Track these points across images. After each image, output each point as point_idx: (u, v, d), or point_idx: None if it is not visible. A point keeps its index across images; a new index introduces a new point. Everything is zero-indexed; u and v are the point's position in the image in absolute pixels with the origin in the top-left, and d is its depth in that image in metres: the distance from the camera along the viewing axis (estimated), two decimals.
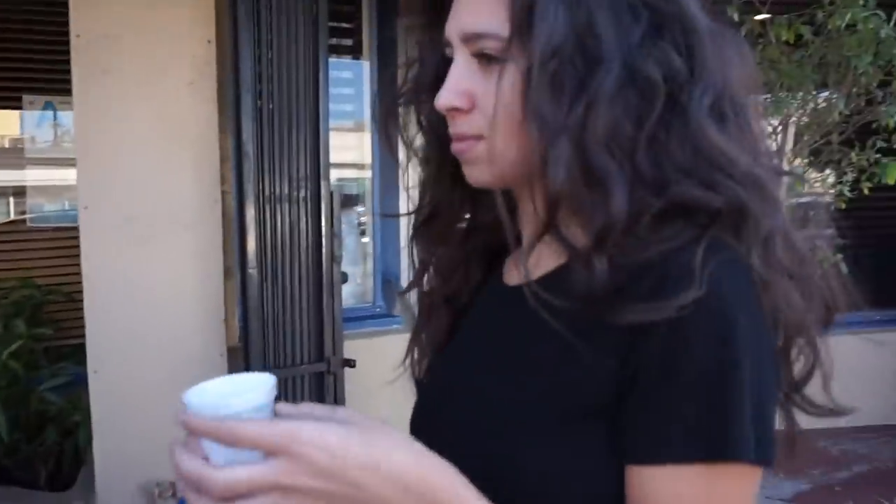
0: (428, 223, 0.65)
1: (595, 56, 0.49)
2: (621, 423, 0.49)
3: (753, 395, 0.47)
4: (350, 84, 2.74)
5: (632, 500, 0.49)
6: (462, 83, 0.52)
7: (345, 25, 2.65)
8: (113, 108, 1.78)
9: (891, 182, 1.76)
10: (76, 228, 1.93)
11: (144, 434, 1.85)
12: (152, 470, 1.70)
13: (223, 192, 1.93)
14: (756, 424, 0.47)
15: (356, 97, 2.77)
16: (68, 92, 1.77)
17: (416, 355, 0.69)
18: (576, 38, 0.49)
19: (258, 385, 0.53)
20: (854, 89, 1.76)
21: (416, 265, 0.68)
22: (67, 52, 1.73)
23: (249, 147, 1.80)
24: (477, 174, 0.55)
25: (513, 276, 0.61)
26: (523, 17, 0.49)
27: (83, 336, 2.00)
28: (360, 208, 2.85)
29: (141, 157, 1.82)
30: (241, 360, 1.84)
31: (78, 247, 1.85)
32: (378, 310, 2.57)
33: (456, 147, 0.55)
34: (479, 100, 0.52)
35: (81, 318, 1.94)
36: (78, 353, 2.35)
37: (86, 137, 1.77)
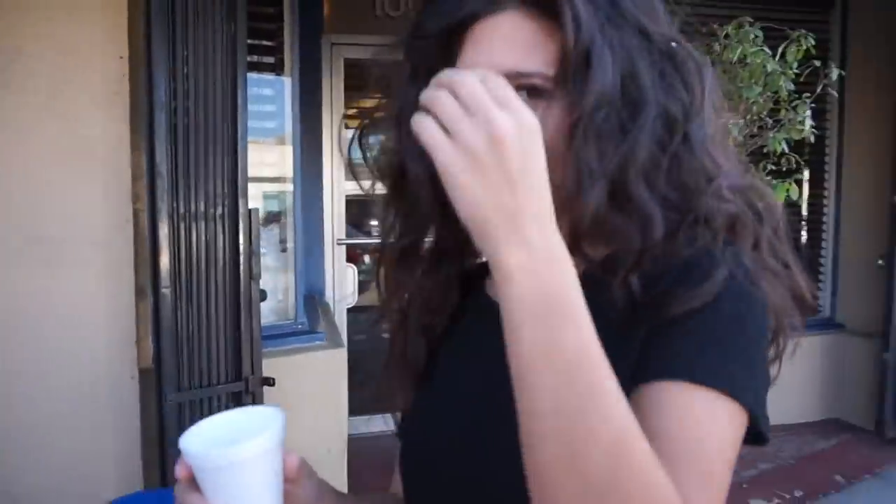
0: (411, 251, 0.63)
1: (637, 100, 0.52)
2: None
3: (760, 361, 0.54)
4: (272, 101, 2.73)
5: (641, 413, 0.50)
6: None
7: (266, 43, 2.65)
8: (15, 124, 1.72)
9: (780, 202, 1.92)
10: None
11: (46, 461, 1.78)
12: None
13: (136, 211, 1.89)
14: (758, 386, 0.54)
15: (278, 113, 2.77)
16: None
17: (390, 389, 0.67)
18: (622, 84, 0.52)
19: (266, 424, 0.53)
20: (747, 117, 1.91)
21: (386, 294, 0.66)
22: None
23: (163, 165, 1.77)
24: None
25: None
26: (579, 62, 0.50)
27: None
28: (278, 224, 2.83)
29: (47, 175, 1.76)
30: (153, 381, 1.81)
31: None
32: (300, 326, 2.57)
33: None
34: None
35: None
36: None
37: None
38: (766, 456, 3.74)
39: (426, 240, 0.64)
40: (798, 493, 3.31)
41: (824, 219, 4.35)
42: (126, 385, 1.84)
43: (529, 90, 0.52)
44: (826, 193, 4.33)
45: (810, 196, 4.48)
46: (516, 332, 0.42)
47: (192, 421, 1.76)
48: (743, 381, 0.53)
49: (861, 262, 4.10)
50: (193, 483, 0.52)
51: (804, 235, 4.56)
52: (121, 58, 1.82)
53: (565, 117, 0.52)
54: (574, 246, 0.52)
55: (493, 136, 0.40)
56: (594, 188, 0.51)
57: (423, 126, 0.43)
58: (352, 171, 0.68)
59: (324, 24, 3.37)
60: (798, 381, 4.17)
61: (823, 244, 4.37)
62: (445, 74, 0.44)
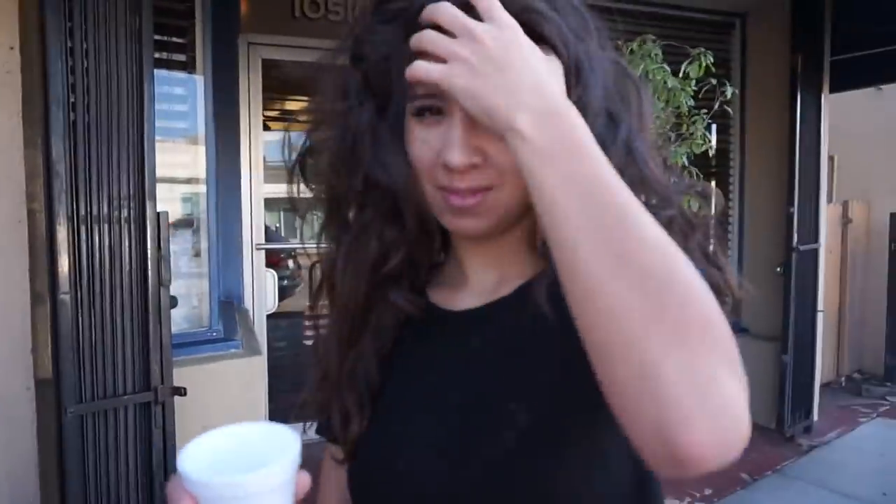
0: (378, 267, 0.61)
1: (614, 115, 0.56)
2: None
3: None
4: (183, 100, 2.63)
5: None
6: (472, 140, 0.53)
7: (177, 40, 2.55)
8: None
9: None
10: None
11: None
12: None
13: (32, 211, 1.77)
14: None
15: (190, 113, 2.67)
16: None
17: (334, 418, 0.63)
18: (605, 102, 0.56)
19: (280, 453, 0.45)
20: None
21: (338, 314, 0.64)
22: None
23: (60, 164, 1.67)
24: (475, 224, 0.57)
25: (459, 300, 0.62)
26: (570, 77, 0.53)
27: None
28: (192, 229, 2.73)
29: None
30: (52, 392, 1.69)
31: None
32: (215, 334, 2.48)
33: (463, 202, 0.55)
34: (490, 155, 0.54)
35: None
36: None
37: None
38: None
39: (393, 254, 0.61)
40: (708, 492, 3.47)
41: (730, 228, 4.60)
42: (21, 396, 1.71)
43: None
44: (731, 204, 4.59)
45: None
46: (538, 176, 0.45)
47: (96, 434, 1.66)
48: None
49: (762, 269, 4.35)
50: None
51: (710, 245, 4.82)
52: (11, 48, 1.70)
53: None
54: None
55: (474, 40, 0.46)
56: None
57: (420, 68, 0.48)
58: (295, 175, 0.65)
59: (240, 24, 3.29)
60: None
61: (729, 253, 4.63)
62: (426, 11, 0.50)
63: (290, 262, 4.82)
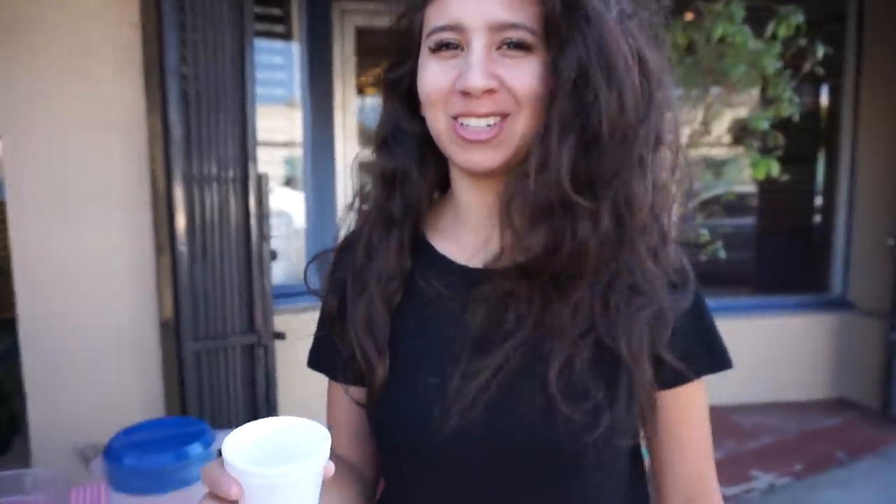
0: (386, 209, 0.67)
1: (613, 68, 0.55)
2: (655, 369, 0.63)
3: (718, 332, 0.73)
4: (281, 67, 2.81)
5: (670, 415, 0.69)
6: (489, 66, 0.56)
7: (275, 12, 2.71)
8: (37, 87, 1.82)
9: (759, 177, 1.97)
10: None
11: (77, 401, 1.93)
12: (85, 434, 1.78)
13: (153, 172, 1.99)
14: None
15: (287, 80, 2.84)
16: None
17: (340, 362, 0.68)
18: (598, 55, 0.55)
19: (314, 447, 0.50)
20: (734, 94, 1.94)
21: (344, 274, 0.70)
22: None
23: (176, 129, 1.87)
24: (485, 157, 0.58)
25: (462, 249, 0.66)
26: (561, 23, 0.55)
27: (11, 310, 2.04)
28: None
29: (68, 136, 1.86)
30: (173, 332, 1.93)
31: None
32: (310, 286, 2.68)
33: (476, 136, 0.57)
34: (506, 82, 0.56)
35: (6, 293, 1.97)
36: (8, 327, 2.39)
37: (10, 117, 1.80)
38: (769, 430, 3.80)
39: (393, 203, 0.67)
40: (798, 467, 3.38)
41: (837, 198, 4.33)
42: (148, 335, 1.97)
43: (518, 44, 0.56)
44: (840, 172, 4.30)
45: (826, 175, 4.46)
46: None
47: (210, 368, 1.88)
48: (725, 352, 0.72)
49: (873, 242, 4.08)
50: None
51: (817, 216, 4.56)
52: (133, 25, 1.90)
53: (546, 74, 0.57)
54: (517, 235, 0.58)
55: None
56: (565, 143, 0.55)
57: None
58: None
59: None
60: (807, 359, 4.21)
61: (836, 224, 4.36)
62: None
63: None
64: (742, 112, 2.09)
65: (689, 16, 1.73)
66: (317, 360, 0.76)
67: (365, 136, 4.35)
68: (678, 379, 0.67)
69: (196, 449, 1.03)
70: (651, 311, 0.61)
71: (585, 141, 0.56)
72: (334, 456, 0.58)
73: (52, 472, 1.05)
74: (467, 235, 0.67)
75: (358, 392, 0.69)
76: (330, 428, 0.70)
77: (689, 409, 0.70)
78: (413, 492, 0.68)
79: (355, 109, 4.04)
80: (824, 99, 4.41)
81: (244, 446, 0.51)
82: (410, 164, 0.67)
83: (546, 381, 0.59)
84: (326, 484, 0.57)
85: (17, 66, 1.79)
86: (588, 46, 0.55)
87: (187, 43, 1.86)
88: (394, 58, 0.66)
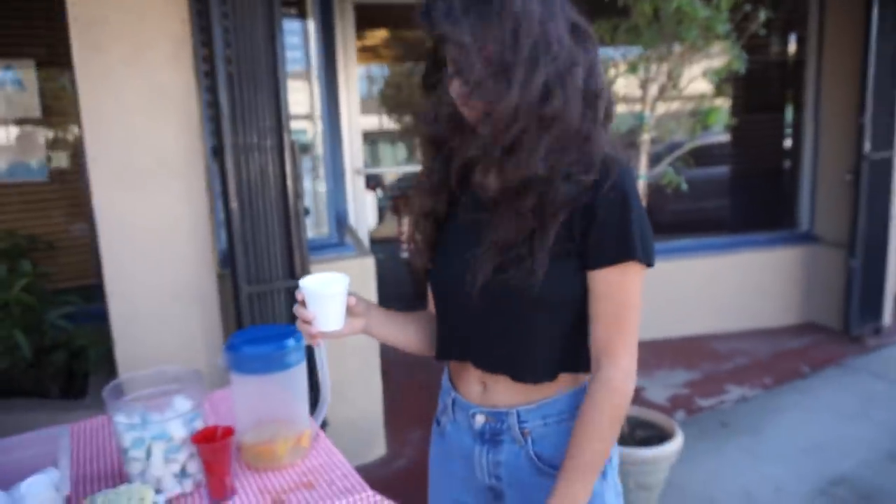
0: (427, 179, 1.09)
1: (545, 50, 0.92)
2: (584, 254, 0.97)
3: (647, 221, 0.98)
4: (297, 44, 3.11)
5: (592, 291, 0.99)
6: None
7: None
8: (108, 79, 2.15)
9: (712, 124, 2.33)
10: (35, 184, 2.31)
11: (157, 340, 2.31)
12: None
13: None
14: (643, 243, 0.97)
15: (301, 55, 3.16)
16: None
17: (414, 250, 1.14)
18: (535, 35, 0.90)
19: (339, 281, 1.05)
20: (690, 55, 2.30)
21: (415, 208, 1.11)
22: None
23: (225, 106, 2.21)
24: None
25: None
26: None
27: (66, 280, 2.42)
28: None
29: (135, 118, 2.21)
30: (230, 279, 2.30)
31: (38, 200, 2.24)
32: (333, 240, 3.05)
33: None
34: None
35: (62, 263, 2.31)
36: (76, 293, 2.76)
37: (89, 104, 2.14)
38: (743, 353, 4.25)
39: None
40: (767, 381, 3.82)
41: (803, 140, 4.69)
42: (208, 282, 2.34)
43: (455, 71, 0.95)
44: (805, 116, 4.66)
45: (793, 120, 4.82)
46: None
47: (261, 308, 2.31)
48: (641, 246, 0.98)
49: (835, 179, 4.46)
50: (303, 303, 1.07)
51: (787, 159, 4.93)
52: (182, 20, 2.23)
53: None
54: (479, 175, 0.98)
55: None
56: (511, 92, 0.90)
57: None
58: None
59: None
60: (778, 289, 4.63)
61: (802, 164, 4.73)
62: None
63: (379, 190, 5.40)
64: (703, 68, 2.45)
65: None
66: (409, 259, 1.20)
67: (366, 106, 4.63)
68: (591, 264, 0.98)
69: (291, 342, 1.41)
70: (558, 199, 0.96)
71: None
72: (427, 312, 1.23)
73: (190, 368, 1.42)
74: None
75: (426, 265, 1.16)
76: (428, 300, 1.22)
77: (601, 288, 0.98)
78: (446, 323, 1.14)
79: (356, 81, 4.36)
80: (792, 51, 4.73)
81: (309, 280, 1.07)
82: (450, 132, 1.04)
83: (502, 261, 1.00)
84: (421, 320, 1.23)
85: (91, 60, 2.12)
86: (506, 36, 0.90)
87: (229, 30, 2.19)
88: (428, 68, 1.04)
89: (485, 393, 1.10)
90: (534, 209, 0.96)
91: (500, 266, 0.99)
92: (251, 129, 2.29)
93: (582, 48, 0.96)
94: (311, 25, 3.06)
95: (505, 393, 1.07)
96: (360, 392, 2.83)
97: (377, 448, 2.96)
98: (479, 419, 1.10)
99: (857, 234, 4.15)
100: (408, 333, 1.19)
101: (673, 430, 2.51)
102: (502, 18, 0.89)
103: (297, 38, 3.12)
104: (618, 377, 0.99)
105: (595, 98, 0.97)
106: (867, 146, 4.03)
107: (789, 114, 4.86)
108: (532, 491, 1.06)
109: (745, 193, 5.19)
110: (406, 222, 1.18)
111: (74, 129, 3.01)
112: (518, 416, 1.06)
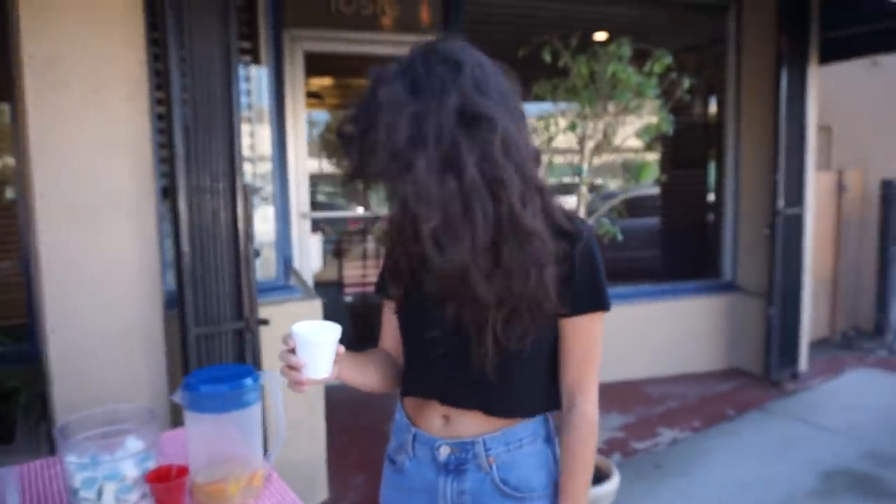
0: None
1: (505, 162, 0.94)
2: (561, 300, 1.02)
3: (604, 280, 1.09)
4: (247, 91, 3.18)
5: (565, 337, 1.09)
6: None
7: (244, 45, 3.09)
8: (62, 116, 2.14)
9: (644, 179, 2.54)
10: None
11: (99, 380, 2.25)
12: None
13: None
14: (606, 293, 1.09)
15: (255, 100, 3.22)
16: None
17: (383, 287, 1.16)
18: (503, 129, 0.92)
19: (332, 329, 1.04)
20: (623, 115, 2.51)
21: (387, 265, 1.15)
22: None
23: (179, 149, 2.24)
24: None
25: None
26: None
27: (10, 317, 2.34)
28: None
29: (87, 157, 2.20)
30: (177, 320, 2.28)
31: None
32: (280, 283, 3.06)
33: None
34: None
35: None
36: (10, 332, 2.66)
37: (39, 141, 2.12)
38: (674, 397, 4.44)
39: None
40: (696, 424, 4.01)
41: (725, 197, 5.05)
42: (156, 322, 2.31)
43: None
44: (726, 174, 5.03)
45: (716, 176, 5.19)
46: None
47: (208, 349, 2.31)
48: (607, 296, 1.11)
49: (753, 233, 4.80)
50: (293, 351, 1.03)
51: (711, 213, 5.27)
52: (139, 62, 2.26)
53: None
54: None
55: None
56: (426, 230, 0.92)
57: None
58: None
59: (284, 19, 3.82)
60: (705, 335, 4.88)
61: (724, 219, 5.08)
62: None
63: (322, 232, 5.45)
64: (634, 127, 2.66)
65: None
66: (379, 289, 1.25)
67: (312, 148, 4.70)
68: (566, 313, 1.06)
69: (249, 381, 1.44)
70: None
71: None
72: (383, 350, 1.26)
73: (145, 406, 1.43)
74: None
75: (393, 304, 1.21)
76: (381, 337, 1.27)
77: (573, 333, 1.09)
78: (414, 360, 1.20)
79: (304, 125, 4.45)
80: (713, 112, 5.12)
81: (301, 326, 1.04)
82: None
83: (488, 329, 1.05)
84: (378, 360, 1.22)
85: (46, 98, 2.12)
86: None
87: (186, 75, 2.24)
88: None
89: (447, 425, 1.15)
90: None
91: (482, 327, 1.04)
92: (204, 171, 2.33)
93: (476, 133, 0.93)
94: (264, 71, 3.13)
95: (470, 424, 1.13)
96: (303, 435, 2.81)
97: (319, 492, 2.93)
98: (444, 451, 1.14)
99: (774, 284, 4.46)
100: (369, 374, 1.21)
101: (610, 470, 2.61)
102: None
103: (250, 83, 3.18)
104: (591, 410, 1.11)
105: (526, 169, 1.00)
106: (781, 202, 4.38)
107: (712, 170, 5.23)
108: None
109: (672, 244, 5.49)
110: (350, 264, 1.24)
111: (7, 163, 2.95)
112: (484, 444, 1.13)
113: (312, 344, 1.04)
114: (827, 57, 4.54)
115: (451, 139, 0.88)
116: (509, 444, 1.13)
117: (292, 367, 1.03)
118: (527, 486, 1.13)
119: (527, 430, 1.15)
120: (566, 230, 1.05)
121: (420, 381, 1.18)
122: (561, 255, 1.02)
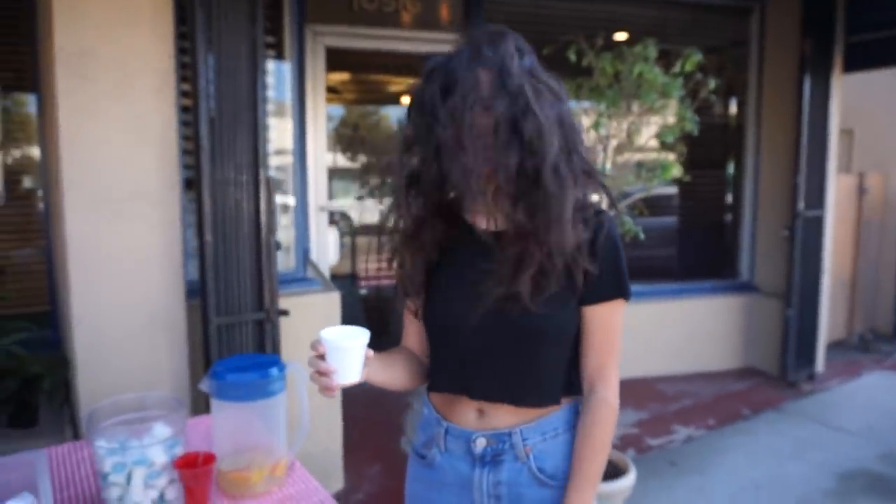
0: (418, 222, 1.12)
1: (540, 122, 1.01)
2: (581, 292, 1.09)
3: (626, 270, 1.12)
4: (271, 85, 3.21)
5: (587, 324, 1.12)
6: None
7: (269, 39, 3.12)
8: (92, 108, 2.18)
9: (667, 178, 2.53)
10: None
11: (122, 368, 2.29)
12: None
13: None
14: (628, 283, 1.12)
15: (278, 94, 3.25)
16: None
17: (404, 296, 1.19)
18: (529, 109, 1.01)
19: (361, 334, 1.03)
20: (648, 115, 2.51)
21: (400, 248, 1.15)
22: None
23: (205, 141, 2.27)
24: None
25: (482, 224, 1.12)
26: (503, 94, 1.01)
27: (16, 305, 2.37)
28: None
29: (115, 148, 2.23)
30: (199, 310, 2.32)
31: None
32: (299, 275, 3.09)
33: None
34: None
35: (11, 289, 2.27)
36: (33, 319, 2.72)
37: (69, 132, 2.16)
38: (689, 395, 4.43)
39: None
40: (711, 422, 4.00)
41: (744, 198, 5.02)
42: (179, 312, 2.35)
43: (486, 106, 0.99)
44: (745, 175, 5.00)
45: (735, 177, 5.15)
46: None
47: (229, 339, 2.35)
48: (628, 285, 1.13)
49: (772, 234, 4.78)
50: (322, 356, 1.02)
51: (729, 214, 5.24)
52: (169, 56, 2.30)
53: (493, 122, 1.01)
54: (497, 204, 1.06)
55: None
56: (508, 158, 1.02)
57: None
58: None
59: (306, 15, 3.84)
60: (721, 335, 4.86)
61: (743, 219, 5.05)
62: None
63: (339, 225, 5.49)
64: (657, 127, 2.65)
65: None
66: (400, 296, 1.26)
67: (331, 143, 4.73)
68: (588, 300, 1.11)
69: (275, 371, 1.47)
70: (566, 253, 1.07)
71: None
72: (406, 348, 1.28)
73: (171, 395, 1.45)
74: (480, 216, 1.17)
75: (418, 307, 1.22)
76: (405, 336, 1.29)
77: (595, 321, 1.12)
78: (445, 359, 1.20)
79: (324, 120, 4.48)
80: (734, 113, 5.08)
81: (330, 332, 1.03)
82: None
83: (520, 294, 1.07)
84: (403, 359, 1.24)
85: (76, 89, 2.16)
86: (517, 107, 1.02)
87: (212, 69, 2.27)
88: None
89: (482, 418, 1.17)
90: (542, 251, 1.05)
91: (507, 304, 1.07)
92: (229, 164, 2.36)
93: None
94: (287, 66, 3.15)
95: (505, 416, 1.16)
96: (320, 426, 2.85)
97: (335, 482, 2.96)
98: (481, 442, 1.17)
99: (792, 285, 4.43)
100: (396, 374, 1.22)
101: (627, 465, 2.62)
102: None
103: (273, 77, 3.21)
104: (611, 397, 1.14)
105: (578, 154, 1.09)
106: (801, 204, 4.35)
107: (732, 171, 5.20)
108: (532, 503, 1.15)
109: (690, 243, 5.47)
110: (376, 259, 1.23)
111: (34, 153, 2.99)
112: (521, 434, 1.15)
113: (342, 349, 1.03)
114: (851, 65, 4.50)
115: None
116: (545, 433, 1.16)
117: (322, 373, 1.03)
118: (562, 474, 1.16)
119: (560, 418, 1.17)
120: (589, 219, 1.10)
121: (448, 376, 1.20)
122: (585, 241, 1.08)
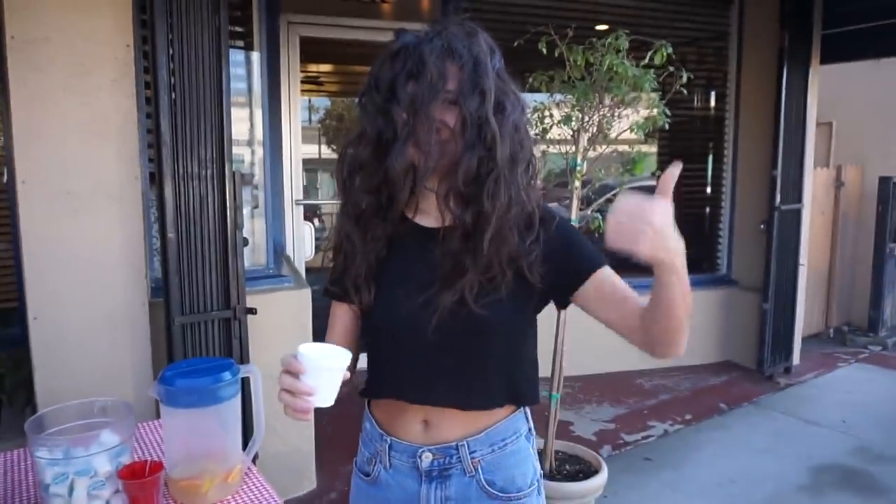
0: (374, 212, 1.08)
1: (501, 119, 1.01)
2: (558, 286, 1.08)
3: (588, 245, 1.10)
4: (244, 74, 3.13)
5: (602, 292, 1.06)
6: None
7: (237, 29, 3.04)
8: (46, 99, 2.10)
9: (639, 173, 2.50)
10: None
11: (82, 368, 2.23)
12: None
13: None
14: (598, 253, 1.10)
15: (248, 85, 3.17)
16: None
17: (346, 290, 1.10)
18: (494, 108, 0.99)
19: (342, 354, 0.95)
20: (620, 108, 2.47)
21: (344, 240, 1.10)
22: None
23: (167, 135, 2.19)
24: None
25: (427, 222, 1.08)
26: (468, 90, 0.98)
27: None
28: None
29: (71, 141, 2.15)
30: (163, 308, 2.25)
31: None
32: (270, 271, 3.03)
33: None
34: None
35: None
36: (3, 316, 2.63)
37: (22, 124, 2.08)
38: (666, 389, 4.43)
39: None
40: (688, 416, 4.00)
41: (723, 192, 5.01)
42: (139, 311, 2.28)
43: (451, 100, 0.98)
44: (724, 166, 4.99)
45: (713, 170, 5.15)
46: (673, 289, 0.93)
47: (193, 338, 2.28)
48: (599, 254, 1.10)
49: (750, 228, 4.78)
50: (296, 375, 0.92)
51: (708, 207, 5.23)
52: (127, 45, 2.21)
53: (460, 120, 1.00)
54: (447, 203, 1.02)
55: (651, 224, 0.93)
56: (470, 159, 0.99)
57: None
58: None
59: (281, 5, 3.76)
60: (700, 329, 4.86)
61: (721, 213, 5.05)
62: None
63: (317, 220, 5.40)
64: (631, 121, 2.61)
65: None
66: (332, 293, 1.20)
67: (308, 135, 4.67)
68: (579, 280, 1.06)
69: (227, 376, 1.41)
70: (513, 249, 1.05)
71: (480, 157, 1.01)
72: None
73: (120, 400, 1.40)
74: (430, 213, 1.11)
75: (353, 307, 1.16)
76: (330, 334, 1.19)
77: (606, 283, 1.07)
78: (387, 361, 1.14)
79: (299, 111, 4.40)
80: (713, 106, 5.07)
81: (309, 349, 0.95)
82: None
83: (464, 294, 1.03)
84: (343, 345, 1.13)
85: (28, 81, 2.07)
86: (485, 108, 1.00)
87: (174, 59, 2.19)
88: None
89: (427, 431, 1.12)
90: (485, 252, 1.02)
91: (458, 302, 1.03)
92: (192, 157, 2.29)
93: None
94: (256, 56, 3.08)
95: (452, 426, 1.11)
96: (291, 427, 2.80)
97: (308, 482, 2.92)
98: (427, 457, 1.12)
99: (769, 279, 4.44)
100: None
101: (599, 464, 2.60)
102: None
103: (242, 68, 3.13)
104: None
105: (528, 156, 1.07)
106: (778, 198, 4.35)
107: (710, 164, 5.19)
108: None
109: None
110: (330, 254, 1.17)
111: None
112: (468, 446, 1.11)
113: (324, 370, 0.93)
114: (829, 57, 4.50)
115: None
116: (493, 444, 1.12)
117: (295, 393, 0.93)
118: (513, 486, 1.12)
119: (508, 429, 1.13)
120: (541, 216, 1.08)
121: (388, 380, 1.14)
122: (535, 238, 1.06)
